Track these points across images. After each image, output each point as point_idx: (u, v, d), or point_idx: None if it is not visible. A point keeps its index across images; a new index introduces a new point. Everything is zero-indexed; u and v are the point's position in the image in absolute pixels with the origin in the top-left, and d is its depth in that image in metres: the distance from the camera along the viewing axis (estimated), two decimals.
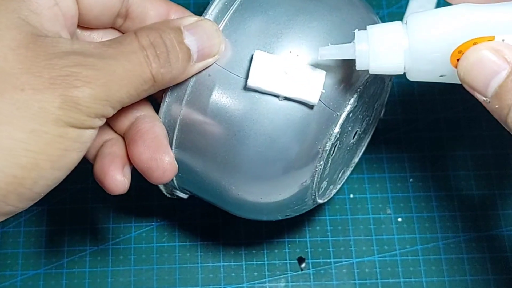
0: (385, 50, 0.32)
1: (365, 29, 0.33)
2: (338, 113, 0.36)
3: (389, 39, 0.32)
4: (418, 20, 0.32)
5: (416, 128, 0.52)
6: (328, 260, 0.48)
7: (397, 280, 0.47)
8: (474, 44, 0.31)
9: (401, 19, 0.55)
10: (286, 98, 0.34)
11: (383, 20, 0.56)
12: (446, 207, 0.50)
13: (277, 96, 0.34)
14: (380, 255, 0.48)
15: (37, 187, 0.31)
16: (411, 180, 0.51)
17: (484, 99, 0.31)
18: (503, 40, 0.31)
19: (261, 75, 0.34)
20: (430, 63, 0.32)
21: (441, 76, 0.33)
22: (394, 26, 0.32)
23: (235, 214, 0.41)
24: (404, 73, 0.33)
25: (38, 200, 0.32)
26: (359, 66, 0.33)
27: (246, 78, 0.34)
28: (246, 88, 0.34)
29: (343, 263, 0.48)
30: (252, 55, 0.34)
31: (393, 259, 0.48)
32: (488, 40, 0.31)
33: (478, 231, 0.49)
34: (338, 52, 0.33)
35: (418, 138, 0.52)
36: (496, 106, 0.31)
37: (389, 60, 0.32)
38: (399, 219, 0.49)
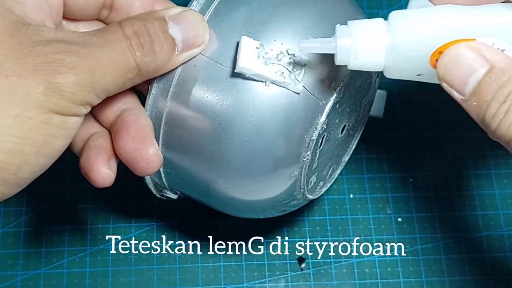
0: (367, 46, 0.32)
1: (346, 24, 0.33)
2: (324, 102, 0.36)
3: (371, 35, 0.32)
4: (401, 18, 0.32)
5: (416, 128, 0.52)
6: (328, 260, 0.48)
7: (397, 280, 0.47)
8: None
9: None
10: (272, 83, 0.34)
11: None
12: (446, 207, 0.50)
13: (263, 81, 0.34)
14: (380, 255, 0.48)
15: (22, 172, 0.31)
16: (411, 180, 0.51)
17: (462, 97, 0.31)
18: (483, 42, 0.31)
19: (249, 59, 0.34)
20: (409, 62, 0.32)
21: (418, 75, 0.33)
22: (376, 22, 0.32)
23: (226, 212, 0.41)
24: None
25: (24, 186, 0.32)
26: (339, 61, 0.33)
27: (232, 67, 0.34)
28: (234, 74, 0.34)
29: (343, 263, 0.48)
30: (238, 42, 0.34)
31: (393, 259, 0.48)
32: None
33: (478, 231, 0.49)
34: (318, 46, 0.33)
35: (418, 138, 0.52)
36: (474, 103, 0.31)
37: (370, 56, 0.32)
38: (399, 219, 0.49)
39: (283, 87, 0.35)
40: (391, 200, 0.50)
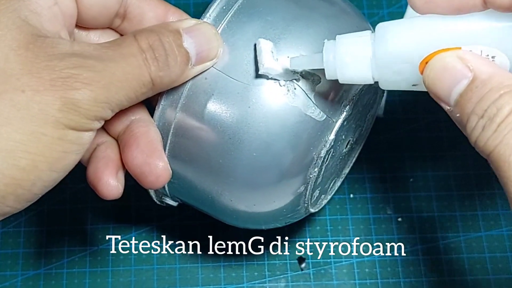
0: (351, 60, 0.32)
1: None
2: (334, 120, 0.36)
3: (355, 49, 0.32)
4: (384, 31, 0.32)
5: (416, 128, 0.52)
6: (328, 260, 0.48)
7: (397, 280, 0.47)
8: None
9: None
10: (287, 80, 0.34)
11: (383, 20, 0.56)
12: (446, 207, 0.50)
13: (279, 79, 0.34)
14: (380, 255, 0.48)
15: (35, 188, 0.31)
16: (411, 180, 0.51)
17: (448, 108, 0.31)
18: (470, 50, 0.30)
19: (271, 60, 0.34)
20: (397, 74, 0.32)
21: (414, 85, 0.33)
22: (362, 36, 0.32)
23: (227, 222, 0.41)
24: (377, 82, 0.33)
25: (35, 200, 0.32)
26: (328, 76, 0.33)
27: (244, 81, 0.34)
28: (257, 75, 0.34)
29: (343, 263, 0.48)
30: (255, 44, 0.34)
31: (393, 259, 0.48)
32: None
33: (478, 231, 0.49)
34: (308, 61, 0.34)
35: (418, 138, 0.52)
36: (457, 115, 0.30)
37: (356, 70, 0.32)
38: (399, 219, 0.49)
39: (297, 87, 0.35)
40: (391, 200, 0.50)
